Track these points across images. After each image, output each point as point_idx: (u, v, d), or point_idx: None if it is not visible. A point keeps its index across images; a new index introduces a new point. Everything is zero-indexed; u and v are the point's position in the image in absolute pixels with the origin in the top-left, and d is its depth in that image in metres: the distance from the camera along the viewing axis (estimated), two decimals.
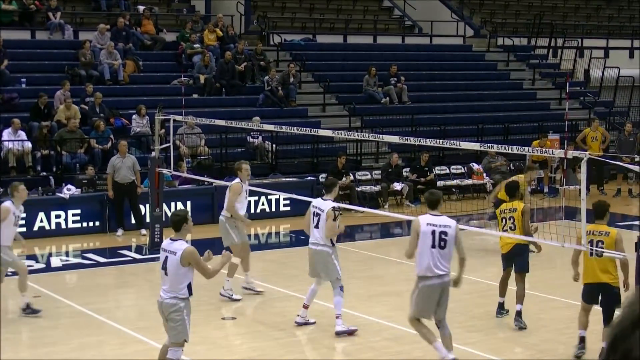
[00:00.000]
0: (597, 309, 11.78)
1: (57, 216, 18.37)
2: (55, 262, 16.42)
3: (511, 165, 24.56)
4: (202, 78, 24.48)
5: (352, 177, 22.07)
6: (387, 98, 26.60)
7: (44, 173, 19.98)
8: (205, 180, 19.18)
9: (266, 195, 19.49)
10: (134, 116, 21.81)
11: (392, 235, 18.98)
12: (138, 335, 11.23)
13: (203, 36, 26.01)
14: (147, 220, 17.64)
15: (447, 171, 24.10)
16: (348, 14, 31.87)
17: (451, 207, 21.83)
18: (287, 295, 13.36)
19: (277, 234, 19.53)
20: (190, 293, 8.92)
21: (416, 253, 9.78)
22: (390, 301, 13.16)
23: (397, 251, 16.30)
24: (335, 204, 11.46)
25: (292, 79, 25.36)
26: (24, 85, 22.61)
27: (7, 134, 19.76)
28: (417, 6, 32.79)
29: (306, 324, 11.69)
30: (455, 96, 28.69)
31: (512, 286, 12.43)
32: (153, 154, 17.21)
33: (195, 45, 25.53)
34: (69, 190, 18.61)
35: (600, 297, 10.35)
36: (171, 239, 9.04)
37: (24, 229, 17.59)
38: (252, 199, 13.67)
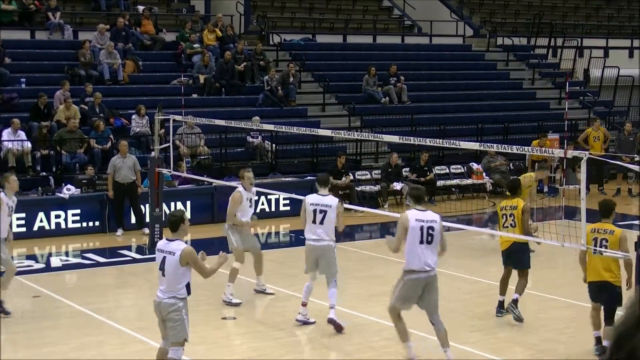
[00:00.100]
0: None
1: (57, 216, 18.37)
2: (55, 262, 16.41)
3: (511, 164, 24.58)
4: (201, 78, 24.47)
5: (351, 177, 22.07)
6: (387, 98, 26.60)
7: (44, 173, 19.98)
8: (205, 180, 19.18)
9: (266, 195, 19.49)
10: (133, 116, 21.80)
11: (392, 234, 18.88)
12: (138, 335, 11.23)
13: (203, 36, 26.01)
14: (147, 220, 17.65)
15: (447, 171, 24.10)
16: (347, 14, 31.87)
17: (451, 206, 21.87)
18: (287, 295, 13.36)
19: (277, 233, 19.53)
20: (188, 293, 8.93)
21: (404, 248, 9.84)
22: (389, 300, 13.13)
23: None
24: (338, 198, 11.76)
25: (291, 79, 25.37)
26: (23, 85, 22.61)
27: (6, 134, 19.76)
28: (416, 6, 32.78)
29: (306, 322, 11.70)
30: (454, 96, 28.69)
31: (512, 285, 12.43)
32: (153, 153, 17.20)
33: (195, 45, 25.53)
34: (69, 190, 18.61)
35: (602, 295, 10.35)
36: (168, 240, 9.03)
37: (23, 229, 17.67)
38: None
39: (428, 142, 13.37)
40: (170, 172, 17.43)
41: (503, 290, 12.30)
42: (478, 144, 14.66)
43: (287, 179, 21.23)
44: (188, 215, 18.90)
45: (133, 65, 24.46)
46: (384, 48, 30.24)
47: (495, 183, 23.75)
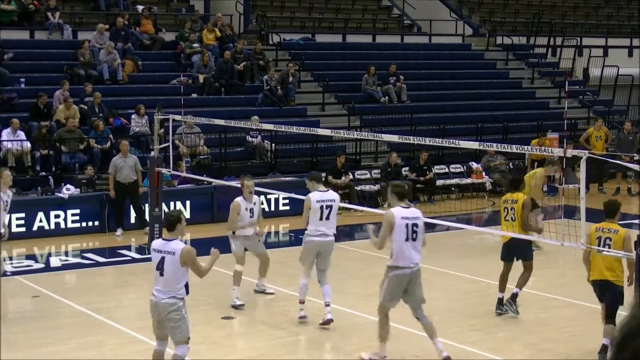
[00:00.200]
0: (594, 307, 11.79)
1: (57, 216, 18.36)
2: (55, 262, 16.41)
3: (510, 164, 24.57)
4: (201, 77, 24.47)
5: (351, 176, 22.07)
6: (386, 97, 26.61)
7: (43, 173, 19.97)
8: (205, 180, 19.16)
9: (265, 194, 19.47)
10: (133, 116, 21.80)
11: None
12: (138, 335, 11.22)
13: (202, 36, 26.00)
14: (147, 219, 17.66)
15: (447, 170, 24.10)
16: (347, 13, 31.87)
17: (450, 206, 21.89)
18: (287, 294, 13.35)
19: (277, 233, 19.53)
20: (187, 292, 8.94)
21: (391, 246, 9.90)
22: None
23: None
24: None
25: (291, 79, 25.36)
26: (23, 85, 22.61)
27: (6, 133, 19.76)
28: (416, 5, 32.79)
29: (304, 317, 11.76)
30: (454, 95, 28.69)
31: (511, 284, 12.44)
32: (152, 153, 17.19)
33: (194, 45, 25.53)
34: (68, 190, 18.61)
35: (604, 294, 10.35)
36: (165, 239, 9.03)
37: (23, 229, 17.66)
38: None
39: (427, 141, 13.36)
40: (169, 171, 17.43)
41: (502, 287, 12.32)
42: (477, 143, 14.66)
43: (287, 178, 21.21)
44: (187, 215, 19.07)
45: (132, 65, 24.46)
46: (384, 47, 30.25)
47: (494, 182, 23.76)
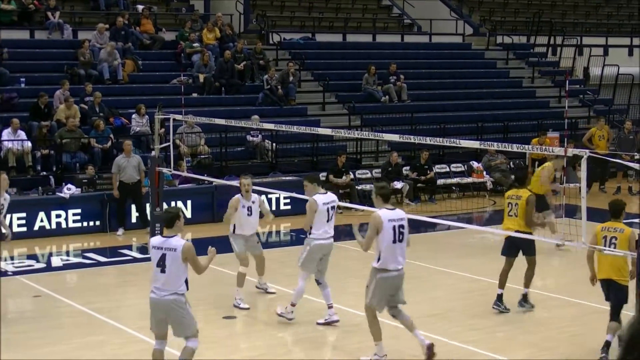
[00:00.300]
0: (595, 307, 11.80)
1: (58, 216, 18.37)
2: (56, 261, 16.41)
3: (511, 163, 24.58)
4: (201, 77, 24.47)
5: (352, 176, 22.08)
6: (387, 96, 26.61)
7: (44, 173, 19.97)
8: (205, 180, 19.18)
9: (266, 194, 19.47)
10: (133, 115, 21.80)
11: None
12: (139, 335, 11.23)
13: (202, 35, 26.00)
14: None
15: (447, 169, 24.12)
16: (347, 13, 31.87)
17: (451, 205, 21.90)
18: (288, 294, 13.32)
19: (278, 232, 19.53)
20: (187, 287, 9.02)
21: (378, 248, 9.94)
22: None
23: None
24: None
25: (291, 78, 25.36)
26: (23, 85, 22.61)
27: (6, 133, 19.76)
28: (416, 4, 32.80)
29: (283, 316, 11.81)
30: (454, 94, 28.69)
31: (512, 284, 12.44)
32: (153, 153, 17.20)
33: (195, 45, 25.53)
34: (69, 190, 18.61)
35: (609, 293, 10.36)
36: (164, 236, 9.06)
37: (24, 229, 17.67)
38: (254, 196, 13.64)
39: (428, 140, 13.37)
40: (170, 171, 17.42)
41: (502, 283, 12.33)
42: (478, 142, 14.67)
43: (287, 178, 21.21)
44: (188, 215, 19.08)
45: (133, 64, 24.46)
46: (384, 47, 30.24)
47: (495, 181, 23.77)
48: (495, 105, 28.48)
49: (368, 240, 10.04)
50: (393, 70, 27.13)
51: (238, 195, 12.98)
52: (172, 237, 8.96)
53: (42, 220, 18.21)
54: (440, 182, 23.42)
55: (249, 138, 22.64)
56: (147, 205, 17.97)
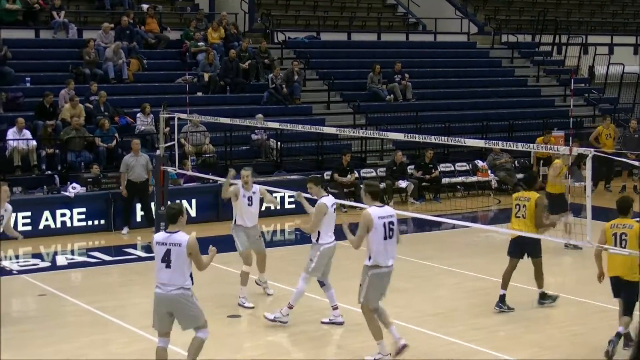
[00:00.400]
0: (599, 306, 11.82)
1: (63, 215, 18.42)
2: (61, 260, 16.45)
3: (516, 162, 24.56)
4: (206, 76, 24.49)
5: (356, 175, 22.06)
6: (392, 95, 26.61)
7: (49, 172, 20.00)
8: (210, 179, 19.15)
9: (271, 193, 19.44)
10: (138, 114, 21.82)
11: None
12: (144, 334, 11.25)
13: (207, 34, 26.01)
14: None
15: (452, 168, 24.12)
16: (352, 12, 31.87)
17: (456, 204, 21.89)
18: (291, 293, 13.34)
19: (282, 231, 19.54)
20: (192, 282, 9.16)
21: (369, 246, 9.98)
22: (396, 298, 13.11)
23: (402, 248, 16.24)
24: None
25: (296, 77, 25.37)
26: (28, 84, 22.64)
27: (11, 133, 19.80)
28: (420, 3, 32.78)
29: (278, 321, 11.73)
30: (459, 93, 28.67)
31: (514, 282, 12.45)
32: (158, 152, 17.20)
33: (199, 44, 25.56)
34: (74, 189, 18.65)
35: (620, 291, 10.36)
36: (168, 232, 9.10)
37: (29, 228, 17.70)
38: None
39: (433, 139, 13.35)
40: (175, 170, 17.43)
41: (505, 284, 12.33)
42: (483, 141, 14.64)
43: (292, 176, 21.21)
44: (193, 213, 19.11)
45: (137, 63, 24.49)
46: (389, 46, 30.23)
47: (500, 180, 23.75)
48: (500, 104, 28.45)
49: (359, 238, 10.09)
50: (398, 69, 27.12)
51: (239, 185, 12.98)
52: (175, 232, 9.04)
53: (47, 219, 18.25)
54: (445, 181, 23.40)
55: (254, 137, 22.66)
56: (153, 204, 18.03)
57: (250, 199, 12.96)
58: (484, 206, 21.97)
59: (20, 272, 15.24)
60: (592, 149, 9.93)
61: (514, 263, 12.34)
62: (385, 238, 9.96)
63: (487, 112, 27.45)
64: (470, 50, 31.85)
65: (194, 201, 19.61)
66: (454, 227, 18.46)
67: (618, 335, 10.21)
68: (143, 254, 16.80)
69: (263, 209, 19.80)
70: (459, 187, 23.75)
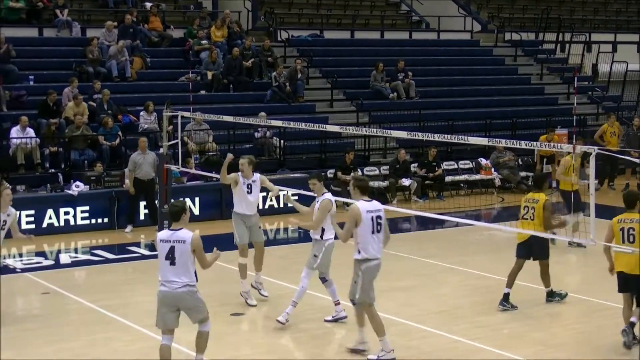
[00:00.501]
0: (602, 304, 11.81)
1: (66, 213, 18.43)
2: (64, 258, 16.46)
3: (519, 160, 24.55)
4: (209, 74, 24.49)
5: (360, 173, 22.05)
6: (395, 93, 26.59)
7: (53, 170, 20.02)
8: (213, 177, 19.12)
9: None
10: (141, 113, 21.83)
11: (400, 230, 18.93)
12: (147, 332, 11.26)
13: (210, 32, 26.02)
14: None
15: (455, 166, 24.11)
16: (355, 10, 31.86)
17: (459, 202, 21.87)
18: (294, 291, 13.34)
19: (285, 229, 19.54)
20: (196, 279, 9.23)
21: (357, 240, 10.05)
22: (399, 296, 13.16)
23: (405, 246, 16.30)
24: None
25: (299, 75, 25.37)
26: (32, 83, 22.66)
27: (15, 131, 19.83)
28: (424, 1, 32.80)
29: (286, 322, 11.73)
30: (462, 91, 28.65)
31: (519, 280, 12.44)
32: (161, 150, 17.23)
33: (203, 42, 25.55)
34: (78, 187, 18.67)
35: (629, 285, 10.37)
36: (171, 229, 9.13)
37: (32, 226, 17.72)
38: (260, 194, 13.58)
39: (436, 137, 13.35)
40: (178, 168, 17.45)
41: (510, 283, 12.33)
42: (486, 139, 14.67)
43: (295, 175, 21.21)
44: (196, 212, 19.12)
45: (141, 62, 24.49)
46: (392, 44, 30.21)
47: (503, 178, 23.73)
48: (504, 102, 28.43)
49: (347, 232, 10.14)
50: (401, 67, 27.10)
51: (239, 172, 12.92)
52: (179, 229, 9.09)
53: (50, 218, 18.27)
54: (448, 179, 23.40)
55: (256, 135, 22.67)
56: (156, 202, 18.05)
57: (249, 186, 12.80)
58: (487, 204, 21.95)
59: (23, 270, 15.26)
60: (595, 147, 9.93)
61: (520, 263, 12.33)
62: (373, 232, 10.05)
63: (491, 110, 27.43)
64: (473, 48, 31.83)
65: (197, 199, 19.62)
66: (457, 225, 18.47)
67: (632, 324, 10.23)
68: (146, 252, 16.82)
69: (267, 206, 19.91)
70: (462, 185, 23.74)
